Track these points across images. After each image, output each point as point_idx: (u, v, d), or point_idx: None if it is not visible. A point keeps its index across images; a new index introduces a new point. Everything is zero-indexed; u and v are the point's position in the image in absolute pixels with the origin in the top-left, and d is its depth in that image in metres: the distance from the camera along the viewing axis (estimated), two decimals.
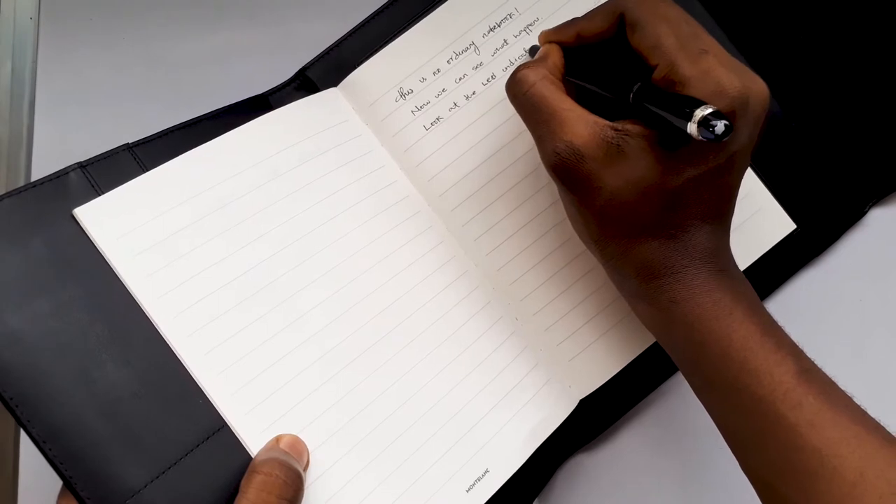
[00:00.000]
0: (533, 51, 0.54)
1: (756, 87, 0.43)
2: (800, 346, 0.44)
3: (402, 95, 0.53)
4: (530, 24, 0.55)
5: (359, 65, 0.53)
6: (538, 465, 0.53)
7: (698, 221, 0.45)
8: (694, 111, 0.39)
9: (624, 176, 0.43)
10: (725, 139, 0.39)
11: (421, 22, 0.54)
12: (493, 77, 0.54)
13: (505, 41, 0.54)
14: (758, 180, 0.56)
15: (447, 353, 0.51)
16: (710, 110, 0.39)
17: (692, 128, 0.39)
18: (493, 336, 0.52)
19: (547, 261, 0.54)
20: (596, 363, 0.54)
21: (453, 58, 0.54)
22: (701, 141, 0.40)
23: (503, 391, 0.52)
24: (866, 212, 0.59)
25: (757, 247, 0.56)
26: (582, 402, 0.54)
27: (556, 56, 0.48)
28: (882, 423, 0.42)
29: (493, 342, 0.52)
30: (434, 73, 0.54)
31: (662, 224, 0.44)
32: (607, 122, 0.43)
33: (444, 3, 0.54)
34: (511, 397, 0.52)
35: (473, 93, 0.54)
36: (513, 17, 0.55)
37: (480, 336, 0.52)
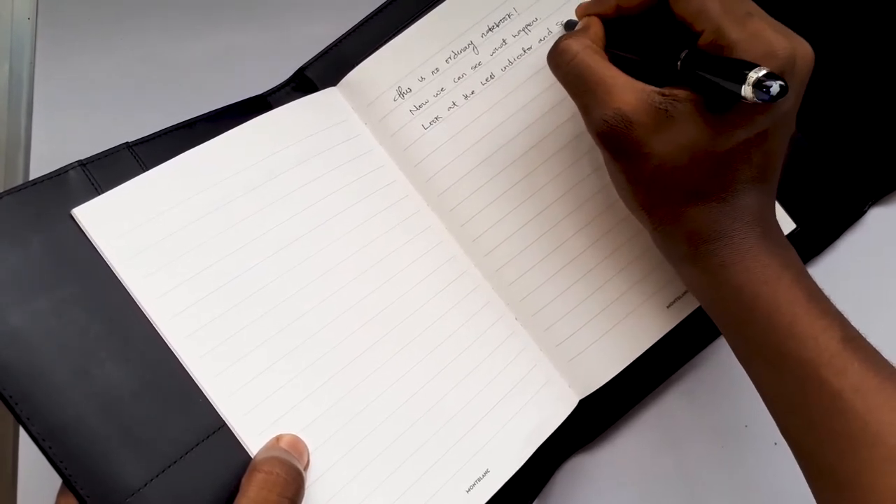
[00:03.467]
0: (568, 25, 0.54)
1: (802, 49, 0.43)
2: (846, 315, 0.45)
3: (401, 94, 0.53)
4: (529, 24, 0.55)
5: (357, 64, 0.53)
6: (538, 465, 0.53)
7: (747, 184, 0.45)
8: (748, 73, 0.39)
9: (673, 141, 0.43)
10: (780, 99, 0.39)
11: (420, 21, 0.54)
12: (491, 76, 0.54)
13: (504, 41, 0.54)
14: None
15: (446, 353, 0.51)
16: (764, 72, 0.39)
17: (747, 90, 0.39)
18: (493, 336, 0.52)
19: (546, 261, 0.54)
20: (596, 364, 0.54)
21: (452, 57, 0.54)
22: (751, 103, 0.40)
23: (503, 391, 0.51)
24: (866, 211, 0.59)
25: None
26: (582, 402, 0.54)
27: (597, 27, 0.49)
28: None
29: (493, 342, 0.52)
30: (433, 73, 0.54)
31: (712, 188, 0.45)
32: (654, 88, 0.43)
33: (442, 2, 0.54)
34: (511, 397, 0.52)
35: (472, 92, 0.54)
36: (511, 17, 0.55)
37: (479, 336, 0.52)
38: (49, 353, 0.42)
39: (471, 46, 0.54)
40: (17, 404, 0.40)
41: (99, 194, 0.45)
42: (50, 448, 0.40)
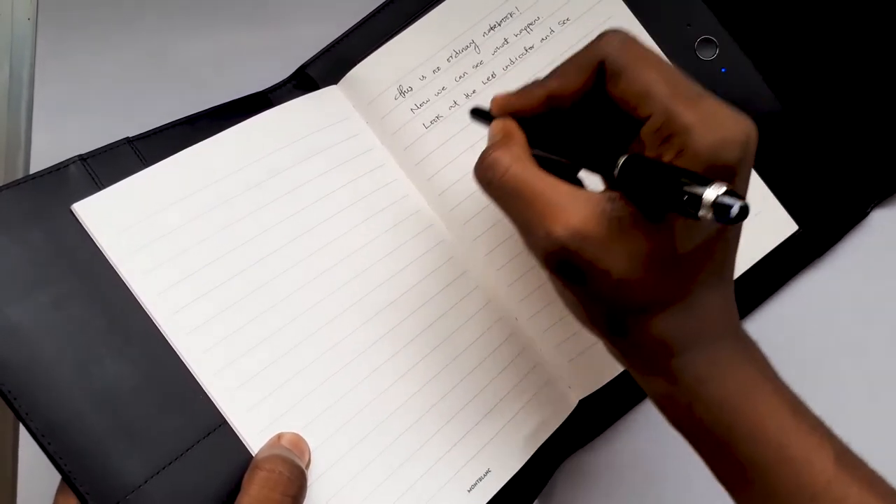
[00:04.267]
0: (476, 113, 0.47)
1: (752, 129, 0.38)
2: (824, 420, 0.41)
3: (402, 93, 0.53)
4: (531, 24, 0.55)
5: (359, 62, 0.53)
6: (538, 465, 0.53)
7: (713, 280, 0.40)
8: (703, 193, 0.33)
9: (632, 251, 0.38)
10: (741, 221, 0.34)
11: (421, 20, 0.54)
12: (492, 76, 0.54)
13: (505, 40, 0.54)
14: (760, 181, 0.56)
15: (447, 353, 0.51)
16: (723, 189, 0.33)
17: (705, 213, 0.34)
18: (493, 336, 0.52)
19: None
20: (596, 364, 0.54)
21: (453, 56, 0.54)
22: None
23: (503, 391, 0.51)
24: (868, 213, 0.59)
25: (759, 248, 0.56)
26: (582, 402, 0.54)
27: (517, 132, 0.42)
28: None
29: (493, 342, 0.52)
30: (434, 71, 0.54)
31: (675, 292, 0.40)
32: (601, 195, 0.38)
33: (444, 1, 0.54)
34: (511, 397, 0.51)
35: (473, 91, 0.54)
36: (513, 16, 0.55)
37: (480, 336, 0.52)
38: (49, 349, 0.41)
39: (472, 45, 0.54)
40: (15, 399, 0.40)
41: (99, 189, 0.45)
42: (49, 444, 0.40)
